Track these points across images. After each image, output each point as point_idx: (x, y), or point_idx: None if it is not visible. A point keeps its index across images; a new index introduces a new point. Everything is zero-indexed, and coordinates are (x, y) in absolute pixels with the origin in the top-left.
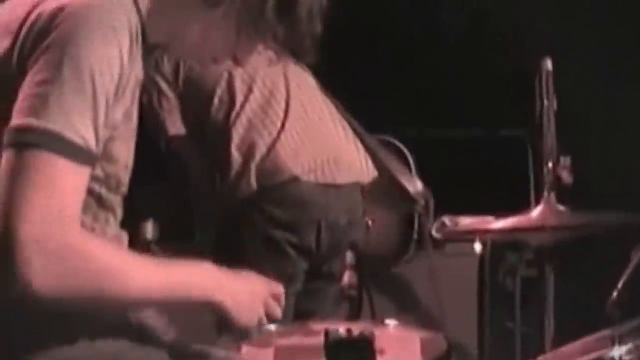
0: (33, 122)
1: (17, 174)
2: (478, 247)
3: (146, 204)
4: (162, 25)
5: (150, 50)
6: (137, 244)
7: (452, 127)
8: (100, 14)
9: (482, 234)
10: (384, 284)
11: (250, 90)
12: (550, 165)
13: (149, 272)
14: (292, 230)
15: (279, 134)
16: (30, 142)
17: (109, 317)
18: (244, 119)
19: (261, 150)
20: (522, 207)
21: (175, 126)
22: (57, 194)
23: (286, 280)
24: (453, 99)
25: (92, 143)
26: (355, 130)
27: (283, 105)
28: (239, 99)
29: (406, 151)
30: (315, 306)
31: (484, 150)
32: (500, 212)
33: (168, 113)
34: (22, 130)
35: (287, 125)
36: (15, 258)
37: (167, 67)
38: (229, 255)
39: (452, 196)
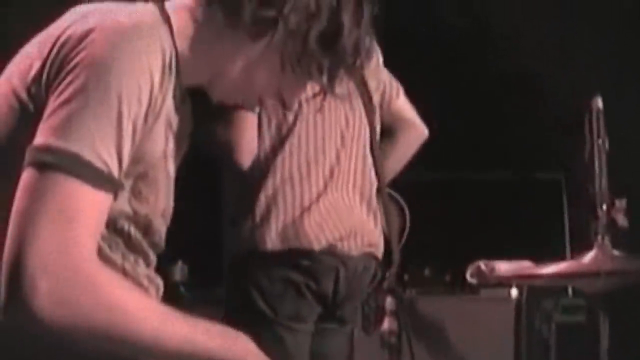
0: (52, 141)
1: (31, 194)
2: (514, 292)
3: (175, 245)
4: (201, 64)
5: (189, 92)
6: (165, 286)
7: (486, 170)
8: (131, 36)
9: (532, 279)
10: (422, 331)
11: (303, 134)
12: (604, 207)
13: (169, 320)
14: (311, 275)
15: (310, 205)
16: (47, 162)
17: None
18: (286, 171)
19: (288, 212)
20: (556, 250)
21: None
22: (71, 218)
23: (301, 320)
24: (490, 141)
25: (114, 169)
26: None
27: (327, 172)
28: (291, 142)
29: (405, 208)
30: (326, 347)
31: (518, 192)
32: (533, 255)
33: None
34: (40, 149)
35: (321, 199)
36: (21, 281)
37: None
38: (246, 297)
39: (482, 239)
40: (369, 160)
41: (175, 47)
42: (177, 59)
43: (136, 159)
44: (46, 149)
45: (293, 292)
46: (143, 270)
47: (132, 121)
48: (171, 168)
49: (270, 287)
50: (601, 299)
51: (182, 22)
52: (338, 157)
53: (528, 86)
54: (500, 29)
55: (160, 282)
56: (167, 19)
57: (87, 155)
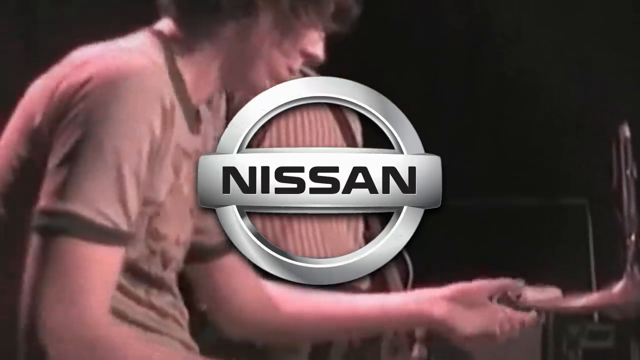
0: (52, 204)
1: (37, 260)
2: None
3: None
4: (210, 70)
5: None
6: (191, 315)
7: (509, 195)
8: (125, 90)
9: (561, 310)
10: (449, 358)
11: None
12: (633, 237)
13: None
14: None
15: None
16: (50, 226)
17: None
18: None
19: None
20: (581, 275)
21: None
22: (80, 280)
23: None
24: (513, 166)
25: (120, 222)
26: None
27: None
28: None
29: (409, 263)
30: None
31: (542, 218)
32: (558, 280)
33: None
34: (41, 213)
35: None
36: (34, 348)
37: None
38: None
39: (507, 265)
40: None
41: (180, 74)
42: (182, 85)
43: (146, 202)
44: (46, 212)
45: None
46: (169, 299)
47: (134, 173)
48: (186, 195)
49: None
50: (632, 324)
51: (179, 37)
52: None
53: (552, 110)
54: (526, 45)
55: (183, 307)
56: (164, 45)
57: (88, 213)
